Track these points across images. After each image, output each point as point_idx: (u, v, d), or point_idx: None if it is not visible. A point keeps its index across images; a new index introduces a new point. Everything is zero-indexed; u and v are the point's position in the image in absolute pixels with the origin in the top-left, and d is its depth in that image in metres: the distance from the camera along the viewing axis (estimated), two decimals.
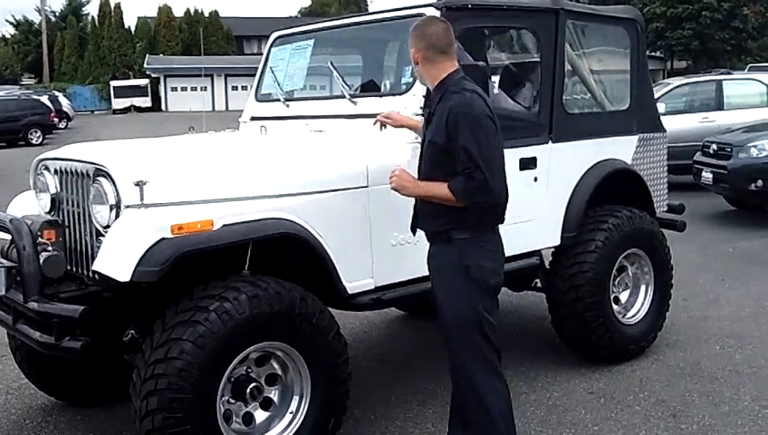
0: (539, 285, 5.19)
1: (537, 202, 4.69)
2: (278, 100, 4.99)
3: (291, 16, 76.28)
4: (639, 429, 4.26)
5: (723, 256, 8.40)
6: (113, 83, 55.07)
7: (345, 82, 4.57)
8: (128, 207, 3.42)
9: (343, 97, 4.52)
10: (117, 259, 3.27)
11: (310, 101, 4.95)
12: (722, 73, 14.36)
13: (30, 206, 4.22)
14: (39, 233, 3.62)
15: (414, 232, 3.63)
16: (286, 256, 3.79)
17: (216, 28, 61.67)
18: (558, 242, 4.85)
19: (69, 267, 3.77)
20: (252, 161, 3.92)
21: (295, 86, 5.05)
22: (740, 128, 10.80)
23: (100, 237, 3.58)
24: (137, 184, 3.39)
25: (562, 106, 4.83)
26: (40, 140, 29.27)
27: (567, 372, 5.07)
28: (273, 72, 5.15)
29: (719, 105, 12.72)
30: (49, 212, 4.04)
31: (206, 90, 56.82)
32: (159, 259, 3.21)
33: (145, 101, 54.69)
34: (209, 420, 3.32)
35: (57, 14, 64.67)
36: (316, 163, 3.92)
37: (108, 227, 3.50)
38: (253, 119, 5.18)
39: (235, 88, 56.71)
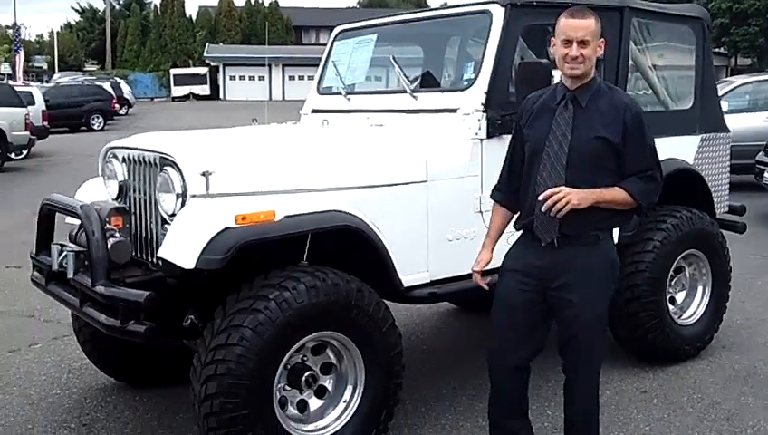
0: None
1: None
2: (339, 93, 5.07)
3: (350, 7, 76.54)
4: (692, 431, 4.24)
5: None
6: (173, 71, 56.04)
7: (407, 77, 4.62)
8: (193, 196, 3.52)
9: (404, 92, 4.57)
10: (182, 247, 3.37)
11: (371, 94, 5.02)
12: None
13: (98, 192, 4.35)
14: (107, 219, 3.75)
15: (557, 240, 3.26)
16: (344, 247, 3.85)
17: (276, 18, 62.27)
18: (616, 241, 4.81)
19: (134, 253, 3.89)
20: (313, 154, 4.00)
21: (357, 80, 5.12)
22: None
23: (166, 225, 3.69)
24: (203, 174, 3.49)
25: None
26: (101, 125, 29.96)
27: (620, 372, 5.04)
28: (335, 65, 5.22)
29: None
30: (116, 199, 4.17)
31: (263, 79, 57.44)
32: (223, 248, 3.30)
33: (204, 90, 55.55)
34: (266, 406, 3.41)
35: (121, 2, 65.99)
36: (376, 157, 3.99)
37: (173, 215, 3.61)
38: (314, 111, 5.26)
39: (292, 78, 57.25)
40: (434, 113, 4.36)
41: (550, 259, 3.25)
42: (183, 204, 3.57)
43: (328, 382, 3.75)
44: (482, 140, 4.16)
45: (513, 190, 3.41)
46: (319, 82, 5.40)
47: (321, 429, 3.69)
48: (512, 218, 3.48)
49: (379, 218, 3.79)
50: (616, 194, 3.18)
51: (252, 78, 57.11)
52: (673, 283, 5.15)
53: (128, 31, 61.03)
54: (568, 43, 3.15)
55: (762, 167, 10.26)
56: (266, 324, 3.35)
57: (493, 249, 3.52)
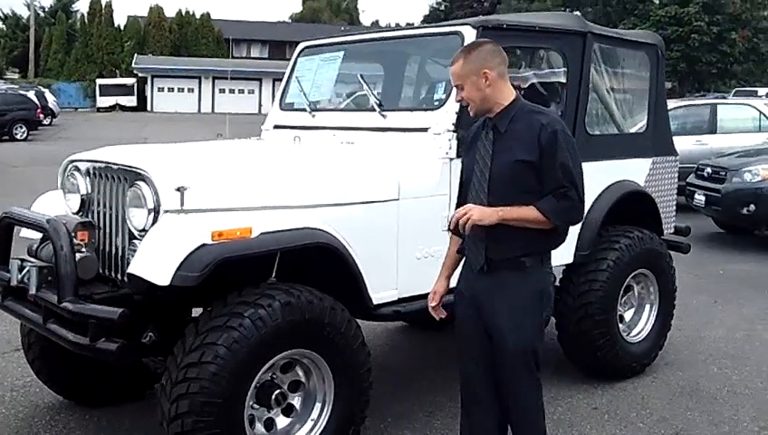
0: None
1: None
2: (304, 109, 5.07)
3: (281, 21, 76.52)
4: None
5: (714, 278, 8.56)
6: (99, 81, 54.78)
7: (375, 96, 4.66)
8: (167, 211, 3.48)
9: (373, 110, 4.60)
10: (156, 263, 3.33)
11: (337, 112, 5.03)
12: (716, 98, 14.61)
13: (55, 206, 4.25)
14: (73, 234, 3.66)
15: (485, 265, 3.28)
16: (311, 265, 3.85)
17: (207, 30, 61.61)
18: (571, 260, 4.94)
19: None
20: (287, 171, 3.99)
21: (322, 97, 5.14)
22: (734, 152, 11.01)
23: (135, 241, 3.63)
24: (177, 189, 3.45)
25: (584, 127, 4.95)
26: (24, 135, 29.11)
27: (569, 387, 5.16)
28: (299, 81, 5.23)
29: (712, 129, 12.95)
30: (77, 213, 4.09)
31: (192, 91, 56.80)
32: (200, 265, 3.27)
33: (130, 101, 54.50)
34: (237, 426, 3.38)
35: (46, 9, 64.38)
36: (350, 175, 4.01)
37: (143, 230, 3.55)
38: (276, 127, 5.25)
39: (222, 91, 56.71)
40: (403, 132, 4.41)
41: (482, 284, 3.29)
42: (155, 220, 3.52)
43: (296, 400, 3.73)
44: (451, 159, 4.23)
45: None
46: (282, 98, 5.39)
47: None
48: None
49: (351, 236, 3.81)
50: (525, 212, 3.15)
51: (181, 90, 56.35)
52: (622, 301, 5.29)
53: (53, 39, 59.40)
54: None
55: (692, 189, 10.64)
56: (241, 342, 3.32)
57: (448, 278, 3.55)
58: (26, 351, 4.56)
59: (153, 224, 3.52)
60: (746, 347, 6.12)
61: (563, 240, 3.34)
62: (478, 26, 4.30)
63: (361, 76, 4.82)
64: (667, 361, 5.68)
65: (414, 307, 4.20)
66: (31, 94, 32.56)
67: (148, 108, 55.27)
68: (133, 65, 55.11)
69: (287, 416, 3.71)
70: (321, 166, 4.12)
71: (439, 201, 4.25)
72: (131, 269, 3.42)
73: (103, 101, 53.68)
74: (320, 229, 3.69)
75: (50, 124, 35.57)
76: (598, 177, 5.04)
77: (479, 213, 3.14)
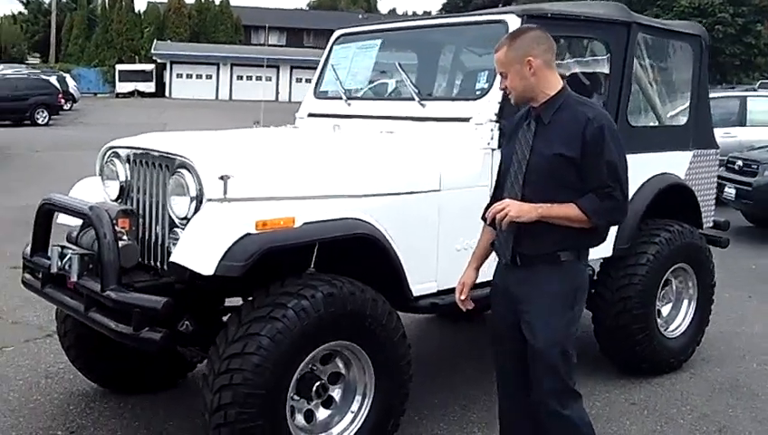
0: None
1: None
2: (339, 98, 5.01)
3: (299, 9, 76.37)
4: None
5: (746, 273, 8.45)
6: (119, 67, 55.01)
7: (414, 85, 4.59)
8: (210, 200, 3.44)
9: (412, 99, 4.54)
10: (200, 252, 3.28)
11: (375, 101, 4.97)
12: (746, 90, 14.43)
13: (93, 193, 4.22)
14: (114, 221, 3.63)
15: (518, 259, 3.19)
16: (350, 255, 3.80)
17: (226, 17, 61.68)
18: (610, 253, 4.86)
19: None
20: (329, 160, 3.95)
21: (358, 85, 5.07)
22: (766, 145, 10.84)
23: (176, 229, 3.59)
24: (221, 178, 3.41)
25: (626, 118, 4.87)
26: (46, 120, 29.23)
27: (605, 382, 5.09)
28: (334, 69, 5.16)
29: (742, 121, 12.79)
30: (116, 200, 4.06)
31: (211, 78, 56.88)
32: (244, 254, 3.22)
33: (149, 87, 54.72)
34: (279, 417, 3.35)
35: None
36: (392, 165, 3.95)
37: (185, 219, 3.51)
38: (310, 115, 5.20)
39: (240, 78, 56.83)
40: (443, 122, 4.35)
41: (514, 279, 3.21)
42: (197, 208, 3.48)
43: (336, 392, 3.70)
44: (493, 150, 4.16)
45: None
46: (316, 86, 5.34)
47: None
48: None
49: (392, 227, 3.76)
50: (567, 210, 3.03)
51: (199, 76, 56.45)
52: (660, 295, 5.21)
53: (73, 24, 59.67)
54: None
55: (722, 182, 10.48)
56: (284, 333, 3.28)
57: (477, 269, 3.44)
58: (62, 338, 4.54)
59: (195, 212, 3.47)
60: None
61: (604, 239, 3.23)
62: (522, 15, 4.23)
63: (399, 65, 4.76)
64: (704, 356, 5.60)
65: (452, 299, 4.13)
66: (53, 79, 32.70)
67: (167, 94, 55.41)
68: (152, 51, 55.30)
69: (327, 408, 3.67)
70: (363, 155, 4.06)
71: (480, 193, 4.15)
72: (174, 258, 3.38)
73: (122, 87, 53.92)
74: (362, 220, 3.64)
75: (70, 109, 35.74)
76: (638, 169, 4.92)
77: (517, 209, 3.03)
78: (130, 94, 53.11)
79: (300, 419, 3.57)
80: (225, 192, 3.42)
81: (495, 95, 4.20)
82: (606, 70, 4.88)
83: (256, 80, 56.18)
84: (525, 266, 3.16)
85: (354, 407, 3.68)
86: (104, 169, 4.19)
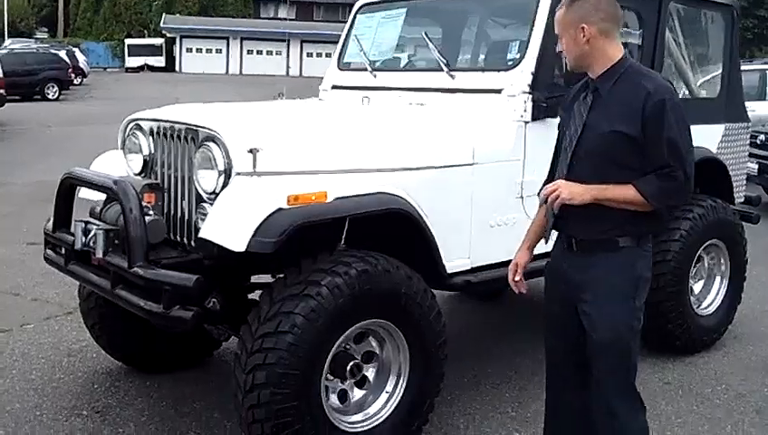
0: None
1: None
2: (364, 69, 4.88)
3: None
4: (725, 423, 4.19)
5: None
6: (128, 41, 54.77)
7: (442, 55, 4.45)
8: (238, 174, 3.33)
9: (440, 70, 4.40)
10: (230, 228, 3.18)
11: (402, 72, 4.83)
12: (765, 63, 14.19)
13: (114, 166, 4.11)
14: (140, 196, 3.52)
15: (570, 245, 2.99)
16: (381, 231, 3.69)
17: None
18: None
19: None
20: (360, 133, 3.83)
21: (383, 56, 4.94)
22: None
23: (203, 204, 3.49)
24: (250, 151, 3.29)
25: None
26: (56, 95, 29.15)
27: (638, 362, 4.98)
28: (358, 40, 5.02)
29: (761, 95, 12.57)
30: (139, 174, 3.96)
31: (221, 52, 56.63)
32: (276, 230, 3.11)
33: (159, 61, 54.50)
34: (314, 398, 3.26)
35: None
36: (424, 138, 3.83)
37: (213, 193, 3.41)
38: (334, 87, 5.07)
39: (250, 52, 56.61)
40: (474, 93, 4.21)
41: (571, 265, 2.98)
42: (225, 182, 3.37)
43: (369, 372, 3.60)
44: (526, 122, 4.04)
45: None
46: (339, 57, 5.20)
47: (364, 420, 3.54)
48: None
49: (425, 201, 3.64)
50: (623, 192, 2.79)
51: (209, 51, 56.20)
52: (693, 272, 5.09)
53: None
54: None
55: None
56: (319, 311, 3.18)
57: (531, 249, 3.21)
58: (85, 315, 4.45)
59: (224, 187, 3.37)
60: None
61: (665, 223, 3.00)
62: None
63: (426, 34, 4.61)
64: (736, 335, 5.48)
65: (485, 277, 4.04)
66: (62, 54, 32.53)
67: (177, 68, 55.20)
68: (161, 25, 54.99)
69: (360, 388, 3.58)
70: (394, 128, 3.93)
71: (514, 166, 4.08)
72: (203, 234, 3.28)
73: (132, 62, 53.72)
74: (395, 194, 3.52)
75: (81, 84, 35.63)
76: None
77: (569, 191, 2.81)
78: (140, 69, 52.91)
79: (334, 399, 3.48)
80: (254, 166, 3.31)
81: (528, 65, 4.07)
82: (638, 41, 4.73)
83: (267, 54, 56.05)
84: (582, 252, 2.93)
85: (389, 387, 3.58)
86: (126, 142, 4.08)
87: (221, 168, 3.37)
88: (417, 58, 4.94)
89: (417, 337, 3.54)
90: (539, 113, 4.05)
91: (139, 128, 3.99)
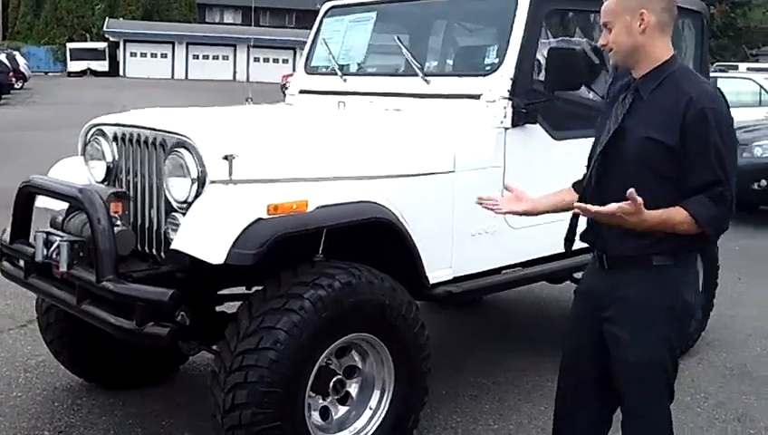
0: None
1: None
2: (333, 73, 4.73)
3: None
4: (709, 432, 4.15)
5: (731, 255, 8.26)
6: (70, 45, 53.69)
7: (416, 60, 4.32)
8: (213, 182, 3.16)
9: (414, 75, 4.27)
10: (207, 239, 3.01)
11: (374, 76, 4.69)
12: (717, 70, 14.44)
13: (74, 174, 3.89)
14: (107, 205, 3.32)
15: (570, 247, 2.86)
16: (362, 241, 3.54)
17: None
18: None
19: None
20: (340, 139, 3.67)
21: (353, 60, 4.80)
22: (740, 127, 10.78)
23: (174, 213, 3.31)
24: (225, 158, 3.13)
25: None
26: None
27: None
28: (326, 43, 4.87)
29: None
30: (102, 182, 3.75)
31: (166, 57, 55.88)
32: (256, 241, 2.95)
33: (102, 65, 53.54)
34: (297, 416, 3.10)
35: None
36: (405, 145, 3.70)
37: (185, 202, 3.23)
38: (302, 92, 4.91)
39: (196, 57, 56.00)
40: (451, 99, 4.09)
41: (601, 283, 2.74)
42: (199, 191, 3.19)
43: (352, 387, 3.45)
44: (506, 129, 3.93)
45: None
46: (307, 61, 5.04)
47: None
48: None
49: (406, 210, 3.50)
50: (675, 216, 2.47)
51: (154, 55, 55.40)
52: None
53: (20, 1, 58.00)
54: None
55: None
56: (302, 326, 3.02)
57: (534, 206, 2.93)
58: (44, 330, 4.20)
59: (197, 196, 3.19)
60: None
61: (709, 241, 2.63)
62: None
63: (398, 38, 4.49)
64: (708, 341, 5.45)
65: (467, 287, 3.93)
66: (2, 57, 31.65)
67: (121, 73, 54.23)
68: (105, 29, 54.01)
69: (343, 404, 3.43)
70: (374, 135, 3.79)
71: (494, 174, 3.96)
72: (177, 245, 3.10)
73: (74, 66, 52.66)
74: (377, 203, 3.38)
75: (21, 88, 34.75)
76: None
77: (624, 211, 2.40)
78: (83, 73, 51.86)
79: (316, 416, 3.32)
80: (230, 173, 3.15)
81: (507, 71, 3.96)
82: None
83: (213, 59, 55.48)
84: (613, 270, 2.68)
85: (373, 403, 3.44)
86: (88, 148, 3.87)
87: (194, 175, 3.19)
88: (389, 63, 4.80)
89: (402, 351, 3.41)
90: (518, 119, 3.95)
91: (102, 133, 3.78)
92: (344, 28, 4.90)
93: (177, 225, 3.25)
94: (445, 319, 5.88)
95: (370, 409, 3.44)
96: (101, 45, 54.11)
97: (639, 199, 2.37)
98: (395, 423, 3.44)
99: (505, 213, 3.08)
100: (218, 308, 3.89)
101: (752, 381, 4.84)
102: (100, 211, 3.16)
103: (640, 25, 2.54)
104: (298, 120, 4.15)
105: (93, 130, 3.85)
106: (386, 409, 3.43)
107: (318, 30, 5.06)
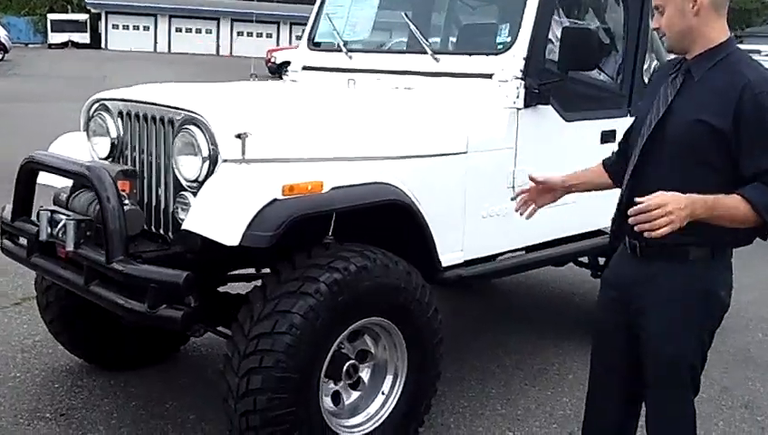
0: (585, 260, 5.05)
1: None
2: (338, 50, 4.62)
3: None
4: (716, 419, 4.14)
5: None
6: (50, 16, 52.72)
7: (424, 37, 4.23)
8: (225, 161, 3.07)
9: (423, 52, 4.18)
10: (221, 220, 2.92)
11: (380, 54, 4.58)
12: None
13: (76, 150, 3.78)
14: (115, 183, 3.22)
15: (617, 241, 2.74)
16: (373, 222, 3.47)
17: None
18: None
19: None
20: (354, 118, 3.58)
21: (358, 36, 4.69)
22: None
23: (183, 192, 3.21)
24: (238, 136, 3.04)
25: (642, 77, 4.60)
26: None
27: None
28: (330, 18, 4.76)
29: None
30: (106, 158, 3.64)
31: (148, 30, 55.15)
32: (273, 223, 2.87)
33: (83, 37, 52.63)
34: (312, 402, 3.04)
35: None
36: (419, 125, 3.62)
37: (196, 181, 3.14)
38: (305, 68, 4.80)
39: (179, 30, 55.20)
40: (461, 78, 4.01)
41: (630, 273, 2.66)
42: (210, 170, 3.10)
43: (364, 372, 3.40)
44: (518, 109, 3.86)
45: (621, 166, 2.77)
46: (310, 36, 4.93)
47: (362, 424, 3.35)
48: (604, 186, 2.95)
49: (420, 192, 3.43)
50: (732, 204, 2.36)
51: (136, 28, 54.54)
52: None
53: None
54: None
55: None
56: (317, 310, 2.95)
57: (565, 181, 2.91)
58: (43, 310, 4.11)
59: (208, 175, 3.09)
60: None
61: (752, 240, 2.54)
62: None
63: (406, 15, 4.39)
64: None
65: (476, 271, 3.88)
66: None
67: (103, 45, 53.45)
68: (86, 0, 53.14)
69: (354, 389, 3.37)
70: (387, 114, 3.70)
71: (506, 155, 3.90)
72: (188, 225, 3.01)
73: (55, 38, 51.73)
74: (391, 184, 3.30)
75: (2, 59, 34.13)
76: None
77: (681, 217, 2.27)
78: (64, 45, 50.97)
79: (328, 401, 3.26)
80: (243, 152, 3.06)
81: (520, 50, 3.88)
82: (621, 27, 4.60)
83: (196, 32, 54.78)
84: (645, 259, 2.59)
85: (385, 388, 3.39)
86: (91, 124, 3.75)
87: (205, 154, 3.10)
88: (396, 39, 4.71)
89: (416, 335, 3.35)
90: (531, 100, 3.88)
91: (106, 109, 3.67)
92: (349, 3, 4.80)
93: (187, 204, 3.16)
94: (445, 302, 5.82)
95: (383, 394, 3.39)
96: (83, 17, 53.21)
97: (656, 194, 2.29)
98: (407, 409, 3.40)
99: (540, 207, 3.00)
100: (221, 289, 3.83)
101: (756, 366, 4.84)
102: (110, 190, 3.06)
103: (693, 7, 2.45)
104: (309, 98, 4.05)
105: (97, 105, 3.74)
106: (399, 394, 3.38)
107: (322, 4, 4.95)
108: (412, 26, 4.29)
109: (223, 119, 3.12)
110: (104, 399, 3.99)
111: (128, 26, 54.40)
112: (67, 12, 54.19)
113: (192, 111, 3.18)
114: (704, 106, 2.43)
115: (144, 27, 54.92)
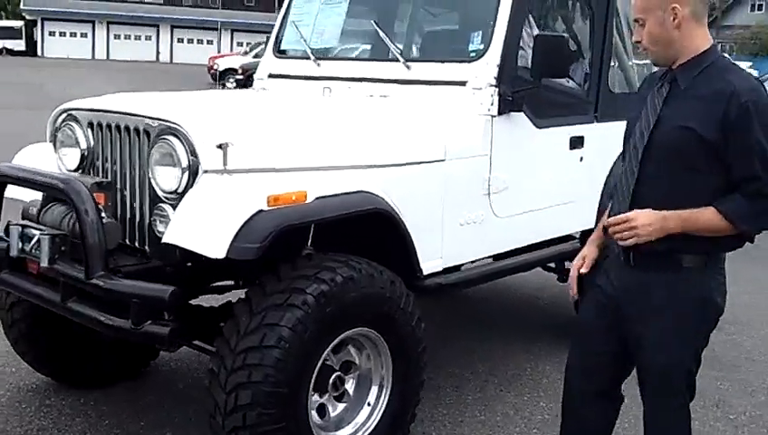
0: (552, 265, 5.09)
1: (580, 183, 4.53)
2: (305, 57, 4.58)
3: None
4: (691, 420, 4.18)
5: None
6: None
7: (396, 44, 4.22)
8: (206, 172, 3.00)
9: (394, 60, 4.16)
10: (205, 232, 2.85)
11: (349, 61, 4.54)
12: None
13: (43, 161, 3.67)
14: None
15: (627, 257, 2.64)
16: (353, 231, 3.43)
17: None
18: (592, 225, 4.67)
19: None
20: (334, 127, 3.54)
21: (326, 44, 4.65)
22: None
23: (161, 204, 3.13)
24: (219, 146, 2.98)
25: (608, 84, 4.66)
26: None
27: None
28: (296, 26, 4.71)
29: None
30: (75, 170, 3.54)
31: (86, 36, 54.23)
32: (259, 234, 2.81)
33: (18, 45, 51.61)
34: (301, 416, 2.99)
35: None
36: (398, 133, 3.59)
37: (175, 193, 3.06)
38: (272, 76, 4.75)
39: (117, 36, 54.49)
40: (434, 85, 4.00)
41: (624, 281, 2.65)
42: (190, 181, 3.03)
43: (349, 383, 3.35)
44: (493, 117, 3.86)
45: None
46: (276, 44, 4.87)
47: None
48: None
49: (400, 200, 3.40)
50: (704, 217, 2.45)
51: (74, 35, 53.66)
52: None
53: None
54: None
55: None
56: (306, 322, 2.90)
57: (600, 246, 2.80)
58: (7, 328, 3.96)
59: (188, 186, 3.03)
60: (750, 314, 5.96)
61: (742, 244, 2.60)
62: None
63: (376, 22, 4.37)
64: None
65: (455, 279, 3.88)
66: None
67: (39, 53, 52.37)
68: (21, 7, 52.02)
69: (339, 401, 3.32)
70: (366, 122, 3.67)
71: (481, 162, 3.90)
72: (170, 238, 2.92)
73: None
74: (373, 193, 3.28)
75: None
76: (617, 137, 4.69)
77: (647, 231, 2.44)
78: None
79: (314, 415, 3.20)
80: (225, 163, 3.00)
81: (494, 57, 3.88)
82: (587, 34, 4.65)
83: (135, 39, 54.08)
84: (638, 268, 2.59)
85: (371, 398, 3.35)
86: (58, 134, 3.64)
87: (184, 164, 3.03)
88: (365, 47, 4.67)
89: (401, 344, 3.32)
90: (505, 107, 3.88)
91: (74, 119, 3.57)
92: (315, 11, 4.76)
93: (165, 216, 3.08)
94: (425, 310, 5.83)
95: (369, 405, 3.35)
96: (18, 24, 52.17)
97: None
98: (393, 419, 3.37)
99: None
100: (192, 302, 3.75)
101: (722, 367, 4.93)
102: (88, 203, 2.97)
103: (674, 20, 2.47)
104: (287, 107, 3.99)
105: (64, 115, 3.63)
106: (384, 405, 3.35)
107: (287, 11, 4.90)
108: (382, 34, 4.26)
109: (203, 129, 3.06)
110: (75, 418, 3.86)
111: (65, 33, 53.52)
112: (1, 18, 52.94)
113: (170, 121, 3.10)
114: (691, 114, 2.46)
115: (81, 34, 54.08)
